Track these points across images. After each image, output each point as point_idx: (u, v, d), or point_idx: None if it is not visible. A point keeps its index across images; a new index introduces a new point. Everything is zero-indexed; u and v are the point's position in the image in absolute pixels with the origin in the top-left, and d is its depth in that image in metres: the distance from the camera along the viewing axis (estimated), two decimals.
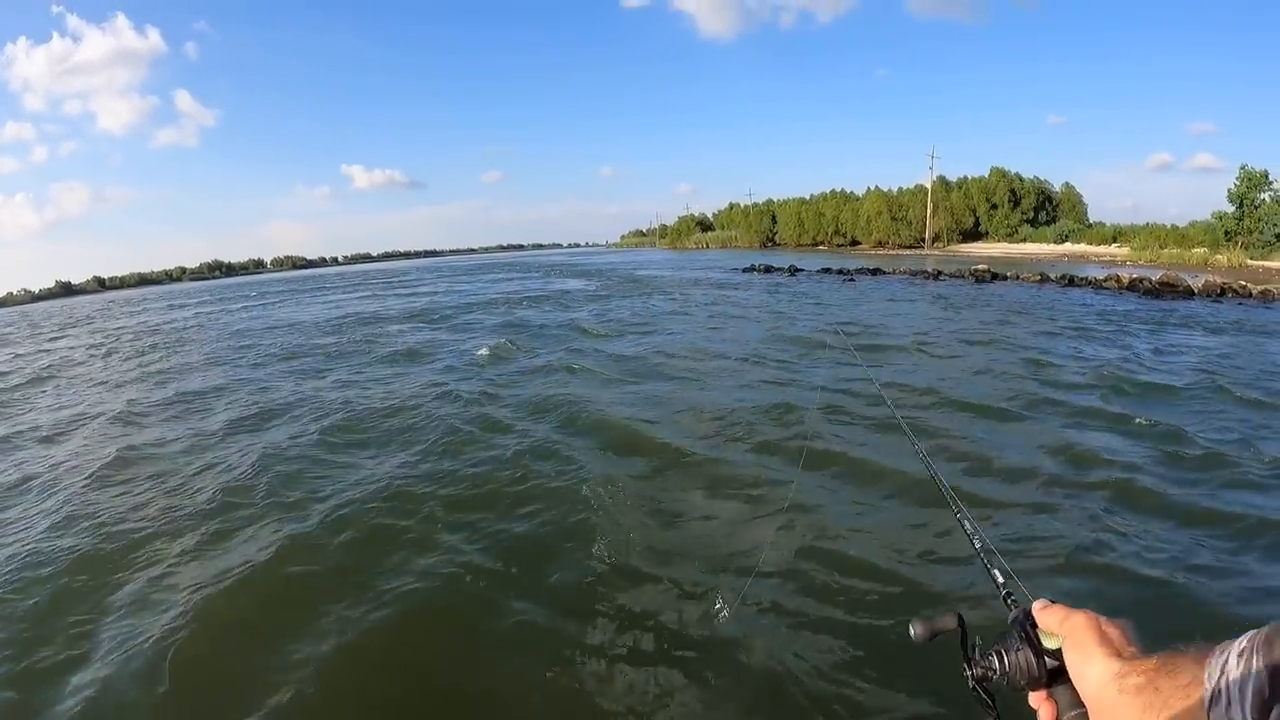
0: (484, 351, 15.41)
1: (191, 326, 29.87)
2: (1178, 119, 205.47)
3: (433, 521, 6.39)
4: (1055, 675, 0.89)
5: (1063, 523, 5.88)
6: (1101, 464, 7.11)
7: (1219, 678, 0.66)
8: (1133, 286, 26.52)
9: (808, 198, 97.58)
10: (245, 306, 36.52)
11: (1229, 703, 0.64)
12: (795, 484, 6.39)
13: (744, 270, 43.57)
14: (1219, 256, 43.67)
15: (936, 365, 12.69)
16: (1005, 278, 32.01)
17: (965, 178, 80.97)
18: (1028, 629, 0.93)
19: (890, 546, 5.58)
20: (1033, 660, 0.91)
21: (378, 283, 55.55)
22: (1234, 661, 0.66)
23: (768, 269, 42.80)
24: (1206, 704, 0.66)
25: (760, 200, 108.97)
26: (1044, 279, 30.58)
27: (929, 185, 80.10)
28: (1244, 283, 25.95)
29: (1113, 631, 0.84)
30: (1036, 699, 0.92)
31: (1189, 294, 24.76)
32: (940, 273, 35.35)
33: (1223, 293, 24.69)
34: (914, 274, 35.98)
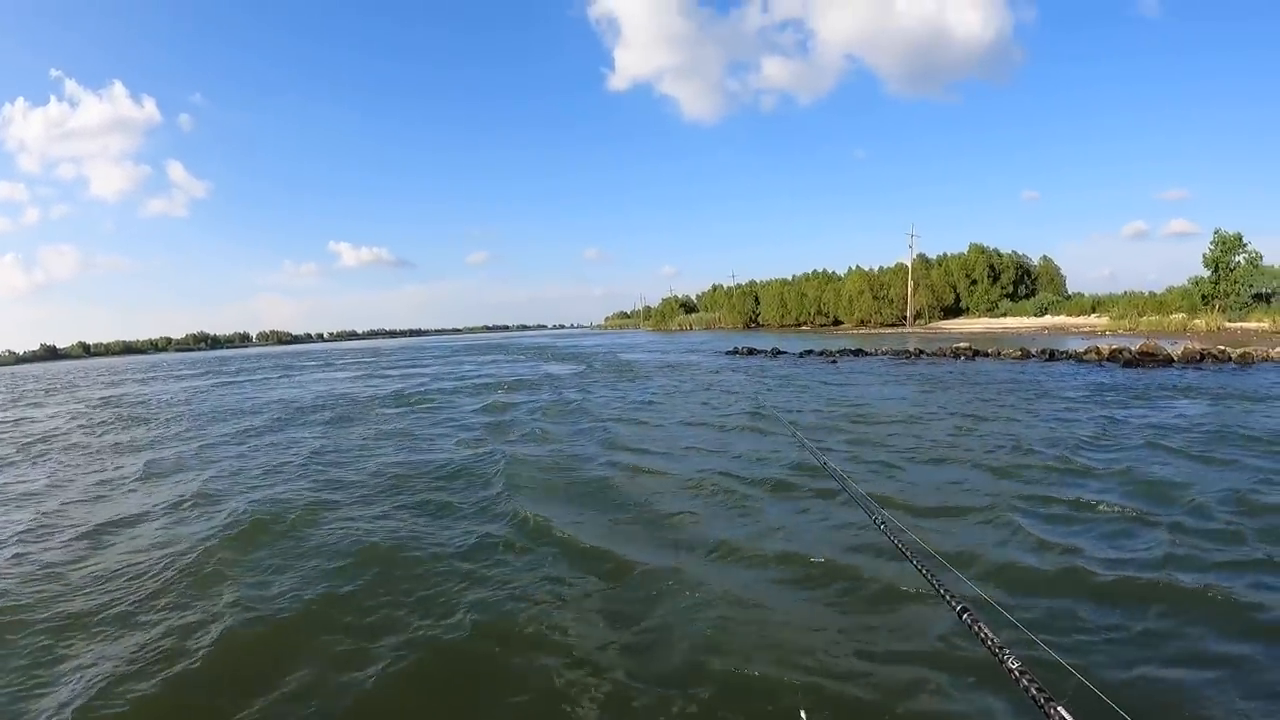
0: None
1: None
2: (1150, 187, 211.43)
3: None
4: None
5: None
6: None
7: None
8: (1113, 357, 26.56)
9: (790, 278, 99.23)
10: (230, 383, 35.81)
11: None
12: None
13: (727, 353, 43.50)
14: (1197, 321, 44.17)
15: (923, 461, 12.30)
16: (987, 354, 31.96)
17: (945, 255, 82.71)
18: None
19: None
20: None
21: (369, 362, 54.85)
22: None
23: (750, 351, 42.74)
24: None
25: (743, 281, 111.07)
26: (1025, 354, 30.55)
27: (909, 263, 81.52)
28: (1223, 347, 26.07)
29: None
30: None
31: (1168, 362, 24.74)
32: (922, 352, 35.32)
33: (1201, 359, 24.73)
34: (896, 354, 35.88)
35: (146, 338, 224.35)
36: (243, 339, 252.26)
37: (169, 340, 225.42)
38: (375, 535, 8.14)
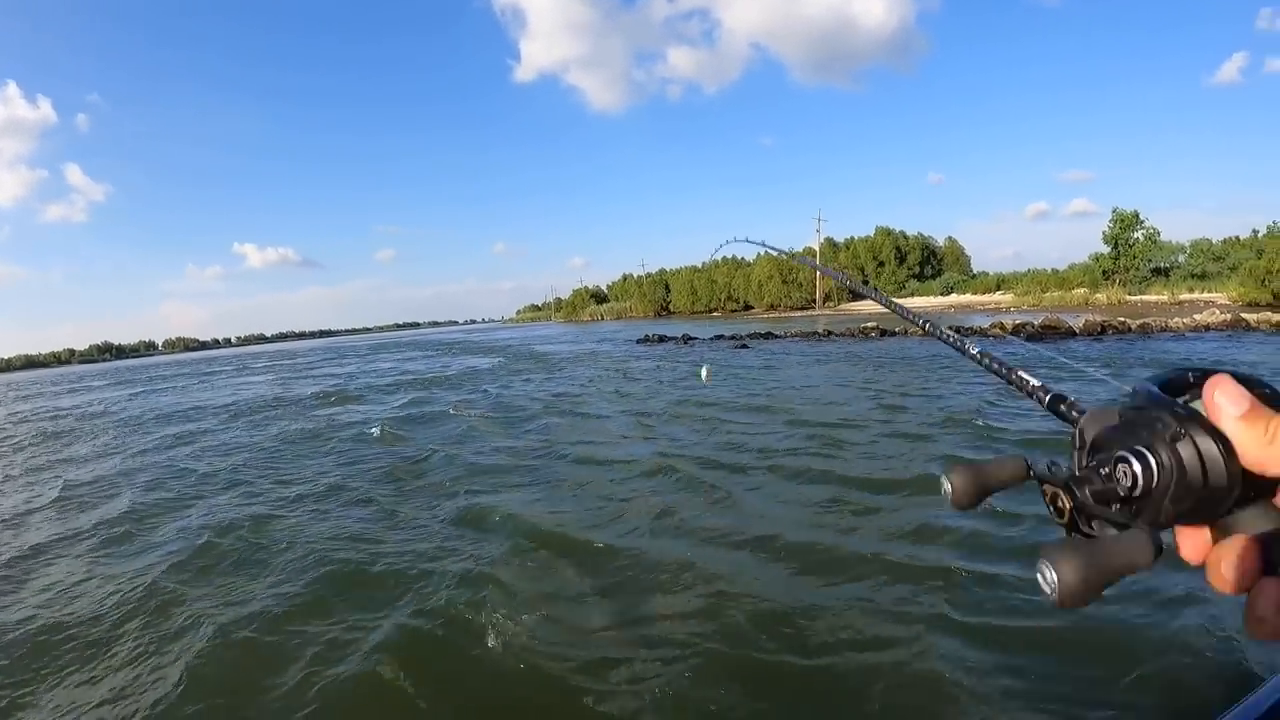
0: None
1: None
2: (1052, 168, 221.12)
3: None
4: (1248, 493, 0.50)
5: None
6: None
7: None
8: (1016, 331, 26.43)
9: (700, 265, 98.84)
10: (142, 393, 32.66)
11: None
12: None
13: (638, 341, 42.51)
14: (1099, 295, 45.27)
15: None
16: (894, 333, 31.73)
17: (852, 238, 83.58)
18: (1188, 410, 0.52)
19: None
20: (1217, 454, 0.50)
21: (285, 364, 51.40)
22: None
23: (661, 339, 41.82)
24: None
25: (653, 270, 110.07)
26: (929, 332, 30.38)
27: (817, 247, 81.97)
28: (1123, 319, 26.23)
29: None
30: (1194, 539, 0.54)
31: (1071, 334, 24.71)
32: (831, 332, 34.98)
33: (1103, 330, 24.75)
34: (805, 335, 35.52)
35: (50, 350, 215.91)
36: (149, 347, 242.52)
37: (73, 352, 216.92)
38: (332, 540, 7.52)
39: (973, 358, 0.94)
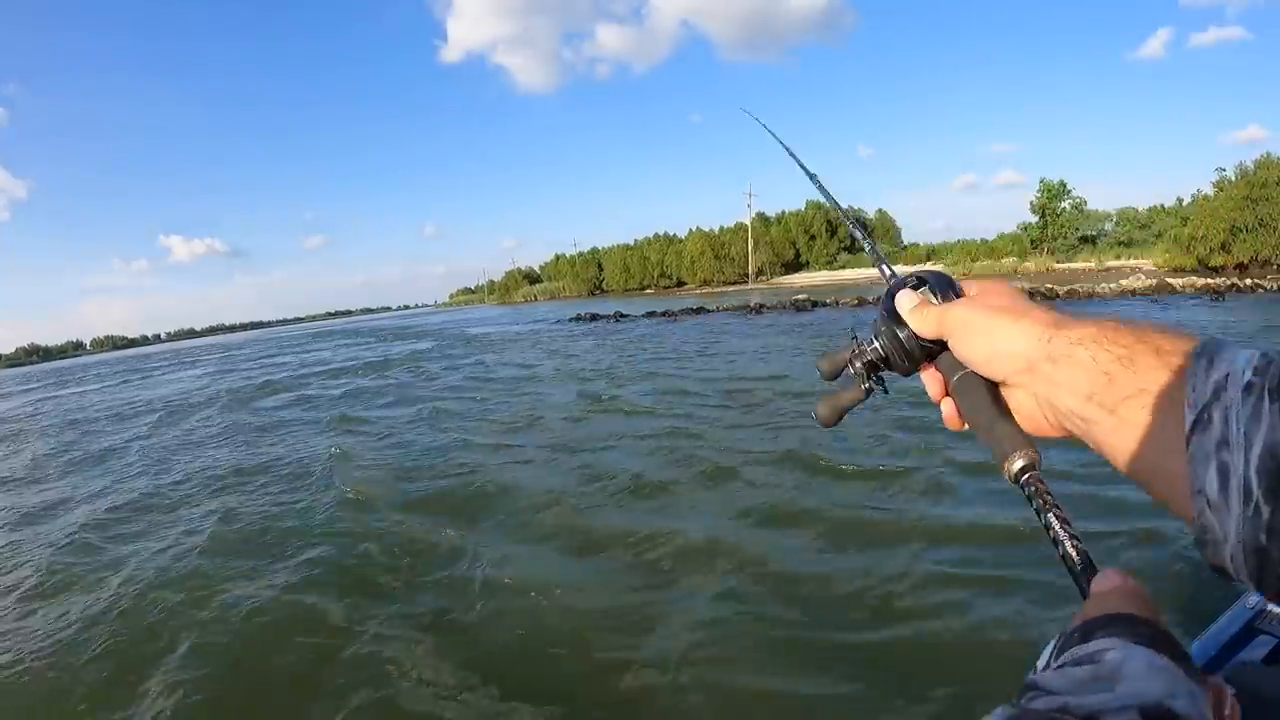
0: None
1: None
2: (979, 140, 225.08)
3: None
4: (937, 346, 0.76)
5: None
6: None
7: (1210, 398, 0.46)
8: None
9: (632, 243, 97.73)
10: (81, 392, 30.28)
11: (1225, 443, 0.44)
12: None
13: (570, 320, 41.64)
14: (1028, 264, 45.90)
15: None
16: (825, 304, 31.36)
17: (783, 212, 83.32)
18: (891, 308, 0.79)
19: None
20: (906, 335, 0.76)
21: (223, 358, 48.49)
22: (1237, 393, 0.45)
23: (593, 317, 40.99)
24: (1187, 425, 0.46)
25: (586, 249, 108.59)
26: (862, 302, 30.24)
27: (749, 222, 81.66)
28: (1050, 285, 26.21)
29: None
30: (931, 384, 0.78)
31: None
32: (763, 306, 34.52)
33: (1031, 297, 24.54)
34: (737, 309, 35.05)
35: None
36: (76, 347, 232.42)
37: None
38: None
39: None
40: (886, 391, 0.82)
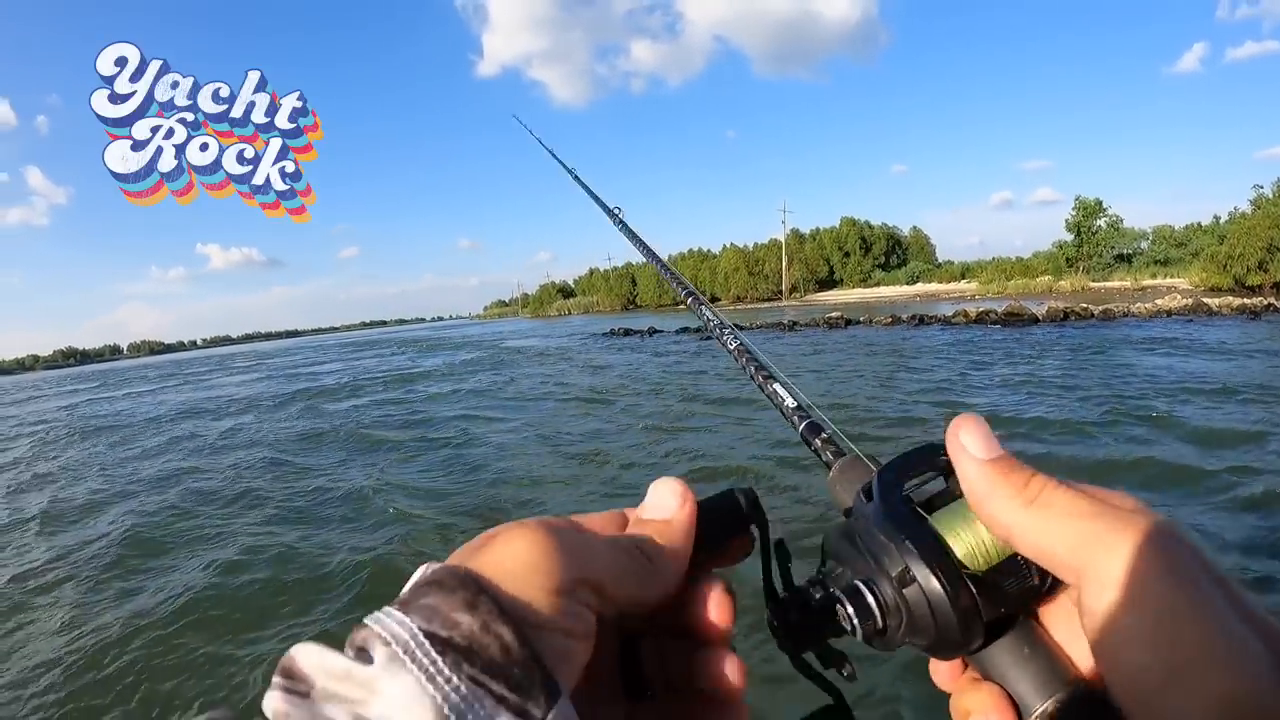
0: None
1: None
2: (1015, 158, 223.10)
3: None
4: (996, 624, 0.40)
5: None
6: None
7: None
8: (980, 319, 26.34)
9: (665, 258, 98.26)
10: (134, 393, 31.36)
11: None
12: None
13: (604, 335, 42.28)
14: (1063, 282, 45.62)
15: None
16: (859, 322, 31.62)
17: (818, 229, 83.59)
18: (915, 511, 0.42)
19: None
20: (942, 593, 0.39)
21: (267, 365, 49.53)
22: None
23: (627, 332, 41.54)
24: None
25: (620, 264, 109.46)
26: (895, 320, 30.36)
27: (783, 239, 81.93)
28: (1085, 305, 26.26)
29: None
30: (948, 672, 0.45)
31: (1034, 321, 24.64)
32: (796, 323, 34.81)
33: (1066, 317, 24.73)
34: (770, 326, 35.34)
35: (13, 357, 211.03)
36: (114, 351, 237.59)
37: (37, 358, 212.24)
38: None
39: (730, 352, 0.75)
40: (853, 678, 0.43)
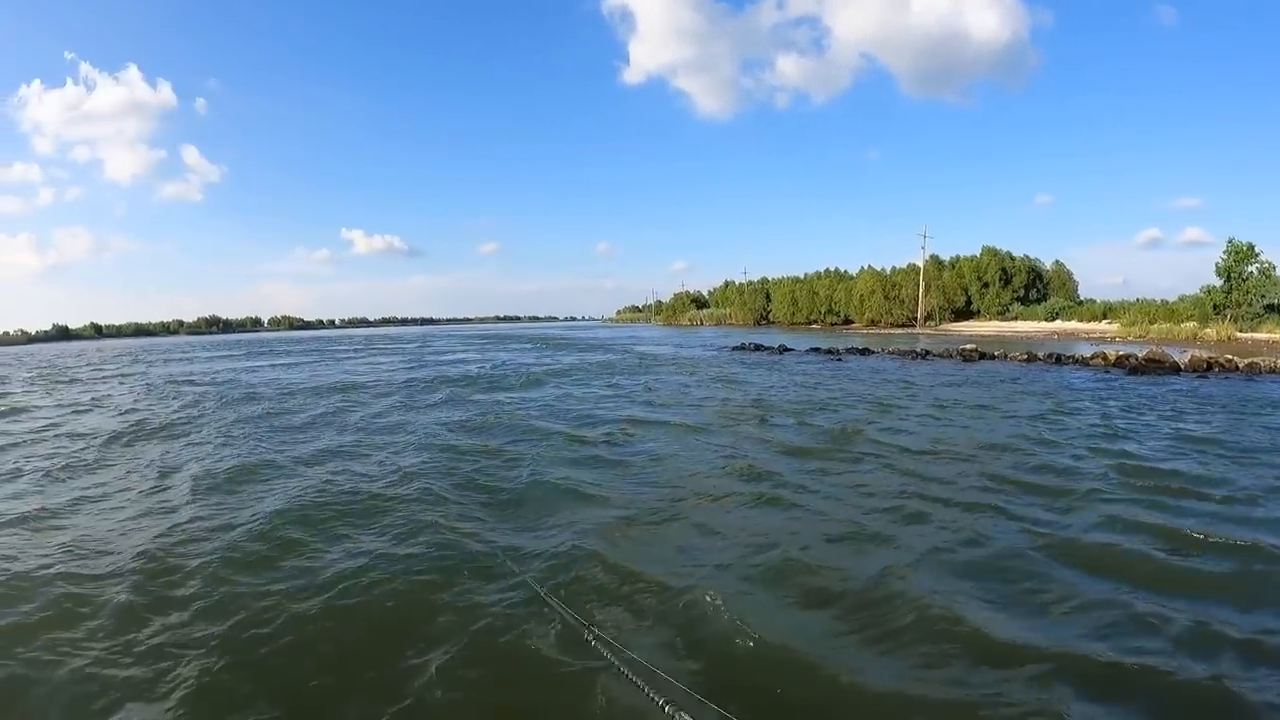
0: None
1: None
2: (1164, 195, 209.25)
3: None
4: None
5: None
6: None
7: None
8: (1119, 363, 26.37)
9: (802, 276, 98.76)
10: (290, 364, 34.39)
11: None
12: None
13: (734, 349, 43.63)
14: (1208, 330, 43.87)
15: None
16: (993, 356, 31.86)
17: (957, 257, 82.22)
18: None
19: None
20: None
21: (408, 349, 52.54)
22: None
23: (757, 347, 42.79)
24: None
25: (755, 279, 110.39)
26: (1031, 357, 30.40)
27: (921, 264, 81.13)
28: (1230, 356, 25.82)
29: None
30: None
31: (1175, 370, 24.50)
32: (929, 352, 35.29)
33: (1209, 367, 24.45)
34: (902, 354, 35.85)
35: (159, 320, 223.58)
36: (255, 323, 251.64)
37: (181, 323, 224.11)
38: None
39: None
40: None
